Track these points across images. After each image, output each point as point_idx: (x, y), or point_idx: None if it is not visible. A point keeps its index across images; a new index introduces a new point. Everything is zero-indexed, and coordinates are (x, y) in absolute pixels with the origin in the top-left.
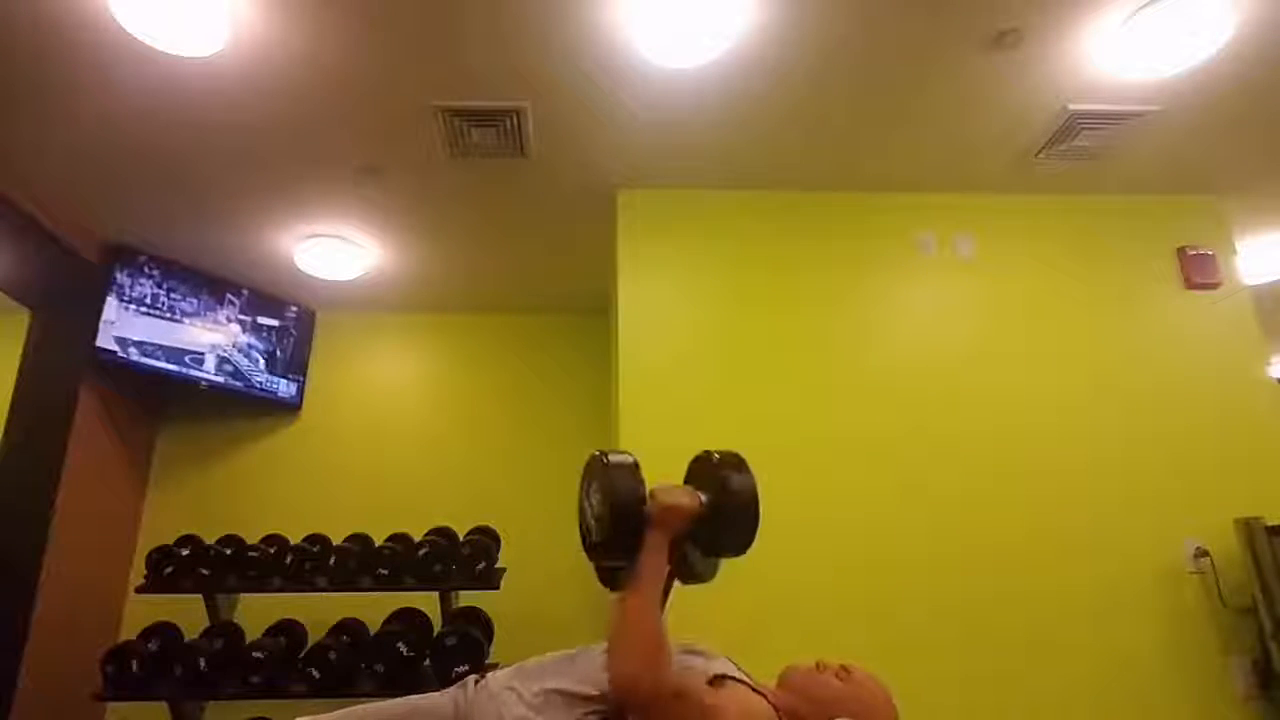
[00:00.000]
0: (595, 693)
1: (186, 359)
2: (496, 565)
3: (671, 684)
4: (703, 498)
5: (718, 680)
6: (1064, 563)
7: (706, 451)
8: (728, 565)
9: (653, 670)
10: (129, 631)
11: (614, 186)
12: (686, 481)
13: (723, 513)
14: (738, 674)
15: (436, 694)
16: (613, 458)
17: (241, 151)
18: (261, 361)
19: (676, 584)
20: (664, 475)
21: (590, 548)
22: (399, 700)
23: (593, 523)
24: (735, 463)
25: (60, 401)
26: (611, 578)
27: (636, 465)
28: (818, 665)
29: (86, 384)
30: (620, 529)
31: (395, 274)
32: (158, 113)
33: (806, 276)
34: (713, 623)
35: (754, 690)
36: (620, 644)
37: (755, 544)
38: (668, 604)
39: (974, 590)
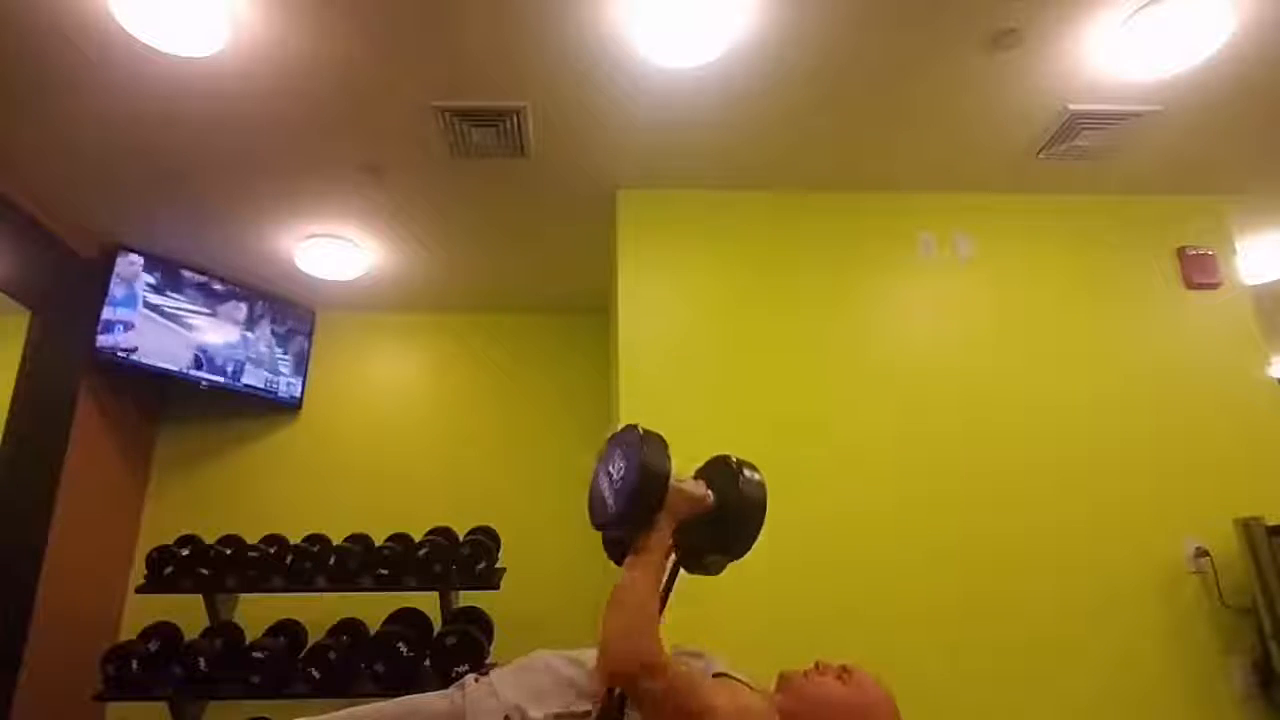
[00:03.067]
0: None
1: (186, 359)
2: (496, 565)
3: (663, 659)
4: (711, 496)
5: (718, 677)
6: (1064, 562)
7: (725, 455)
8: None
9: (644, 640)
10: (129, 631)
11: (614, 186)
12: (699, 477)
13: (729, 514)
14: (737, 675)
15: (434, 694)
16: (649, 435)
17: (241, 151)
18: (261, 361)
19: (682, 575)
20: None
21: (603, 515)
22: (396, 700)
23: (610, 492)
24: (750, 468)
25: (60, 401)
26: (623, 554)
27: (667, 446)
28: (817, 666)
29: (86, 384)
30: (642, 501)
31: (395, 274)
32: (158, 113)
33: (806, 276)
34: (712, 622)
35: (754, 689)
36: (614, 613)
37: (755, 544)
38: (672, 592)
39: (974, 590)
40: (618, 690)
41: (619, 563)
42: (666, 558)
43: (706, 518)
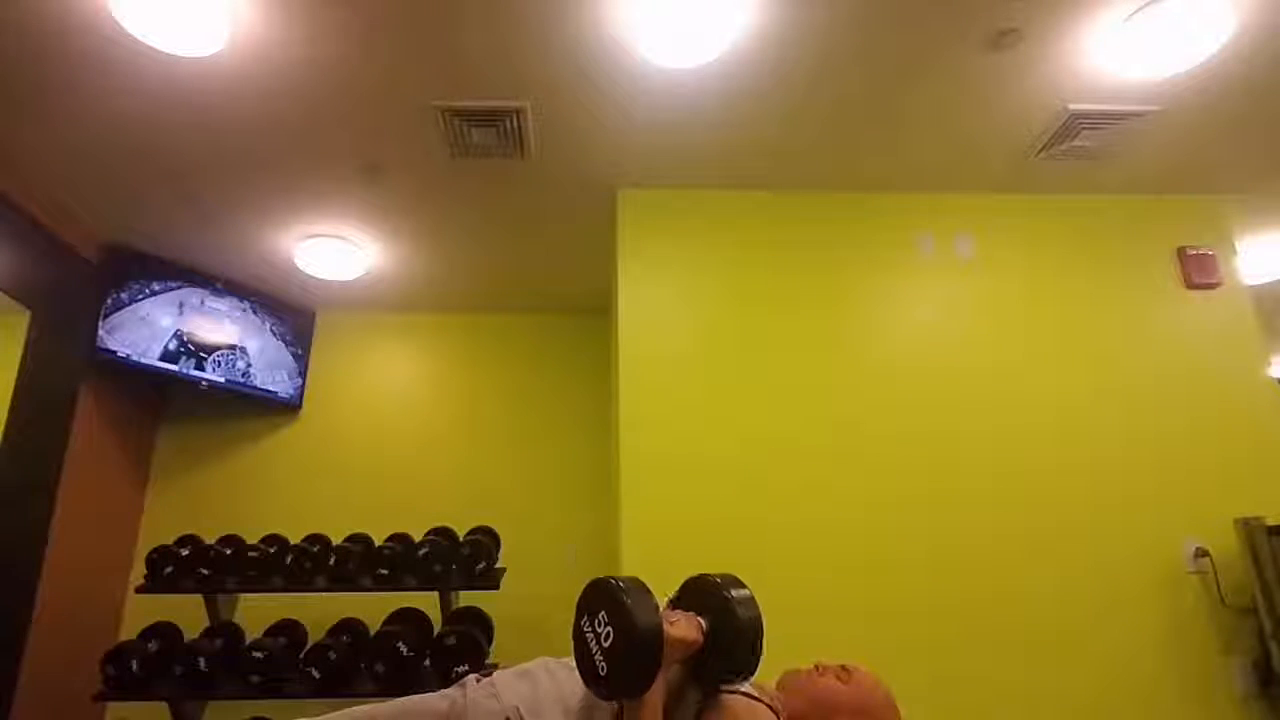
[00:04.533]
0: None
1: (187, 359)
2: (496, 565)
3: None
4: (703, 624)
5: (718, 695)
6: (1064, 562)
7: (704, 577)
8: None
9: None
10: (129, 631)
11: (614, 186)
12: (677, 603)
13: (726, 643)
14: (744, 685)
15: (433, 694)
16: (629, 588)
17: (241, 151)
18: (261, 361)
19: None
20: (664, 476)
21: (596, 681)
22: (396, 700)
23: (601, 659)
24: (737, 586)
25: (60, 401)
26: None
27: (653, 597)
28: (817, 667)
29: (86, 384)
30: (638, 668)
31: (395, 274)
32: (158, 113)
33: (806, 276)
34: None
35: (754, 698)
36: None
37: (753, 543)
38: None
39: (974, 589)
40: None
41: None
42: (662, 706)
43: (703, 652)
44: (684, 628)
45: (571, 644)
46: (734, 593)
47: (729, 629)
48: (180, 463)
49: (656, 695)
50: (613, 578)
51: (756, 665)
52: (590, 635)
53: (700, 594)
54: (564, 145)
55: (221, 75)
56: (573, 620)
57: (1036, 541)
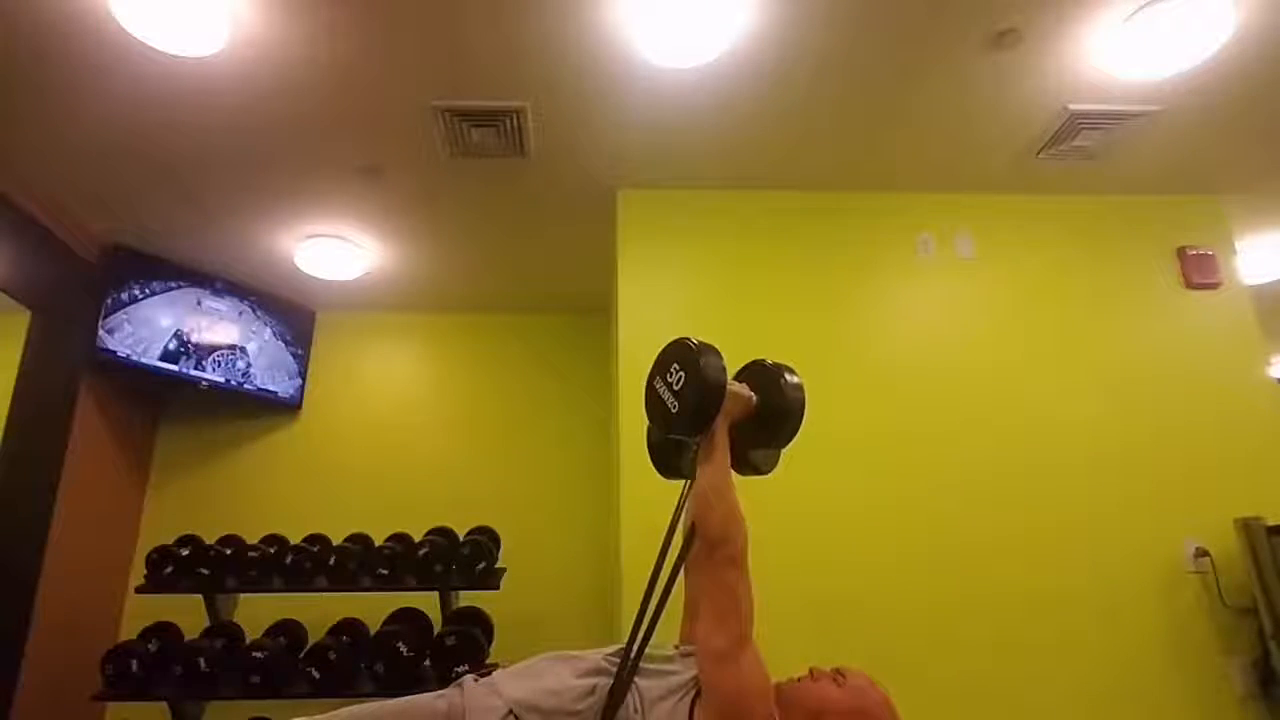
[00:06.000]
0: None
1: (187, 359)
2: (496, 565)
3: (747, 552)
4: (754, 396)
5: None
6: (1064, 562)
7: (762, 360)
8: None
9: (740, 524)
10: (129, 631)
11: (614, 186)
12: (740, 380)
13: (773, 414)
14: None
15: (431, 694)
16: (703, 343)
17: (241, 151)
18: (261, 361)
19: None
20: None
21: (667, 421)
22: (394, 700)
23: (672, 400)
24: (790, 371)
25: (60, 401)
26: (670, 467)
27: (720, 353)
28: (811, 672)
29: (86, 384)
30: (706, 406)
31: (395, 274)
32: (158, 113)
33: (806, 276)
34: None
35: None
36: (716, 504)
37: (754, 543)
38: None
39: (973, 589)
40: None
41: (663, 471)
42: (729, 452)
43: (753, 418)
44: (741, 387)
45: (648, 407)
46: (786, 377)
47: (776, 404)
48: (180, 463)
49: (722, 435)
50: (688, 338)
51: (792, 436)
52: (662, 386)
53: (758, 374)
54: (564, 145)
55: (221, 75)
56: (647, 382)
57: (1036, 541)
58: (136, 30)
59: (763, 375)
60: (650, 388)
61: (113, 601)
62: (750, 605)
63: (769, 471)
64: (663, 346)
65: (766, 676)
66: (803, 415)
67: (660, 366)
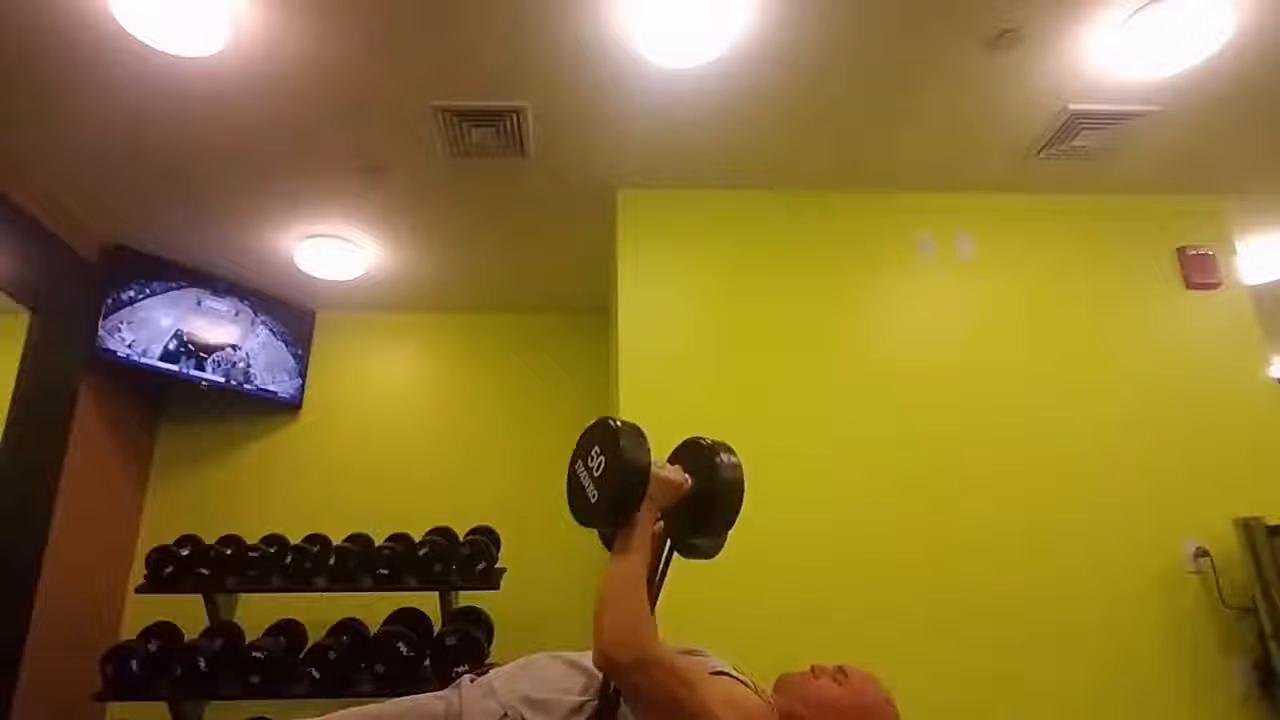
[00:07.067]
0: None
1: (187, 359)
2: (496, 565)
3: (659, 651)
4: (689, 479)
5: (718, 675)
6: (1064, 562)
7: (696, 437)
8: (726, 565)
9: (638, 631)
10: (129, 631)
11: (614, 186)
12: (671, 462)
13: (708, 497)
14: (738, 674)
15: (429, 695)
16: (623, 425)
17: (241, 151)
18: (261, 361)
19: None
20: None
21: (585, 511)
22: (393, 701)
23: (592, 487)
24: (726, 450)
25: (60, 401)
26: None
27: (644, 435)
28: (813, 670)
29: (86, 384)
30: (626, 495)
31: (395, 274)
32: (158, 113)
33: (806, 276)
34: (710, 620)
35: (738, 679)
36: (606, 606)
37: (753, 544)
38: (665, 581)
39: (973, 589)
40: (614, 685)
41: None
42: (653, 546)
43: (687, 502)
44: (672, 471)
45: (569, 494)
46: (721, 456)
47: (711, 488)
48: (180, 463)
49: (644, 530)
50: (609, 418)
51: (729, 525)
52: (583, 472)
53: (691, 453)
54: (564, 145)
55: (222, 75)
56: (570, 465)
57: (1036, 541)
58: (137, 30)
59: (697, 455)
60: (572, 472)
61: (113, 601)
62: (699, 686)
63: (714, 556)
64: (588, 426)
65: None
66: (741, 499)
67: (582, 449)
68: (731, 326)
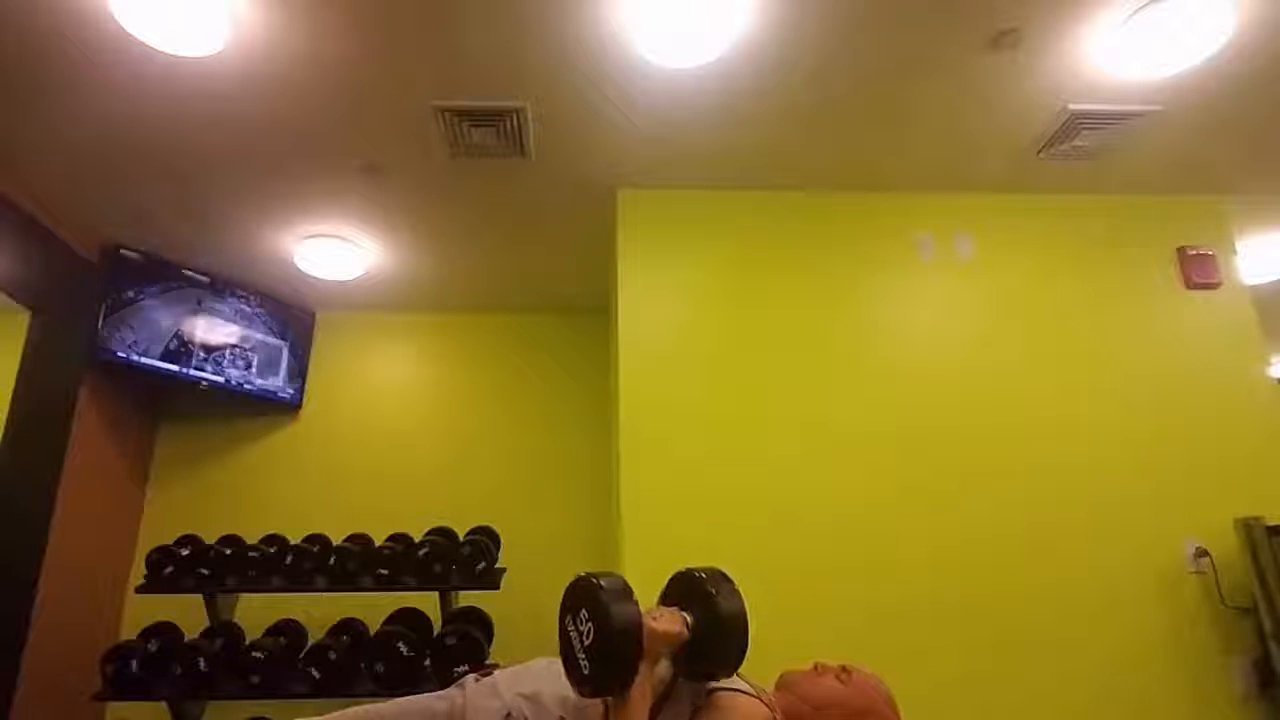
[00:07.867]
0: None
1: (187, 359)
2: (496, 565)
3: None
4: (688, 619)
5: (714, 694)
6: (1063, 563)
7: (688, 569)
8: (726, 565)
9: None
10: (129, 631)
11: (614, 186)
12: (665, 599)
13: (711, 636)
14: (738, 684)
15: (432, 695)
16: (606, 584)
17: (241, 151)
18: (261, 361)
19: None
20: (664, 475)
21: (581, 681)
22: (395, 701)
23: (584, 656)
24: (723, 579)
25: (60, 401)
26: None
27: (630, 591)
28: (816, 667)
29: (86, 384)
30: (618, 661)
31: (395, 274)
32: (158, 113)
33: (806, 276)
34: None
35: (751, 695)
36: None
37: (753, 544)
38: None
39: (973, 589)
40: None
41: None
42: (649, 703)
43: (689, 645)
44: (667, 622)
45: (562, 656)
46: (718, 588)
47: (714, 623)
48: (180, 463)
49: (642, 692)
50: (593, 575)
51: (741, 659)
52: (574, 634)
53: (685, 589)
54: (564, 145)
55: (221, 75)
56: (559, 620)
57: (1036, 541)
58: (137, 30)
59: (691, 591)
60: (562, 629)
61: (113, 601)
62: None
63: (730, 676)
64: (570, 583)
65: None
66: (747, 629)
67: (569, 607)
68: (732, 326)
